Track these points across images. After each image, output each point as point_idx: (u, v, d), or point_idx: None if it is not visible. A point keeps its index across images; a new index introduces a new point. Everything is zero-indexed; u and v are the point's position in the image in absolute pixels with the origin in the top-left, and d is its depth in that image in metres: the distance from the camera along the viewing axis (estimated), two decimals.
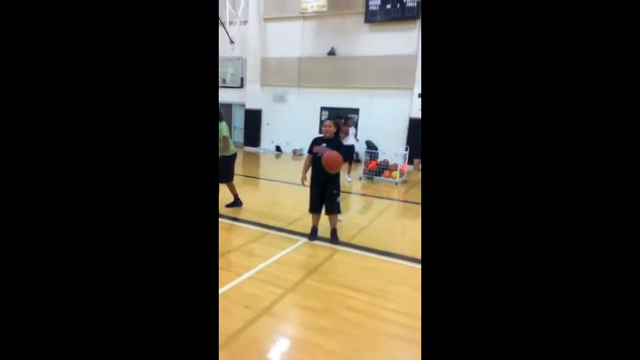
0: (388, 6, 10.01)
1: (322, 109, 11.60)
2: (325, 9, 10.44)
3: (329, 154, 3.35)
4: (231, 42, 10.74)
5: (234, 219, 4.22)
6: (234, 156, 4.65)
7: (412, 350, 1.99)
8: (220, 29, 10.86)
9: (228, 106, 13.24)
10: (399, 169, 7.51)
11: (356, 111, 11.15)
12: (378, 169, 7.70)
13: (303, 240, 3.62)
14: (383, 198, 6.18)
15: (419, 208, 5.64)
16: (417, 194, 6.62)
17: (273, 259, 3.13)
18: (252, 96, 12.28)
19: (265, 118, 12.47)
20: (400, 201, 6.20)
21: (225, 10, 11.09)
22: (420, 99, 9.76)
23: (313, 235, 3.66)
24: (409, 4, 9.74)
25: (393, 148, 8.94)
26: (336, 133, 3.60)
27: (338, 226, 3.72)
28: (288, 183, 6.92)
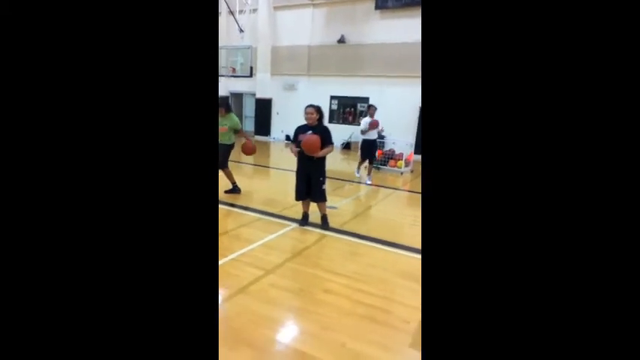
0: None
1: (332, 97, 11.56)
2: None
3: (307, 138, 3.36)
4: (241, 31, 10.74)
5: (231, 205, 4.32)
6: (232, 145, 4.73)
7: (379, 331, 2.02)
8: (230, 18, 10.90)
9: (239, 96, 13.37)
10: (404, 159, 7.44)
11: (366, 100, 11.03)
12: (383, 159, 7.65)
13: (294, 225, 3.68)
14: (385, 187, 6.16)
15: (418, 197, 5.61)
16: (419, 184, 6.57)
17: (260, 242, 3.20)
18: (262, 85, 12.33)
19: (275, 107, 12.53)
20: (401, 190, 6.16)
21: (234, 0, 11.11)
22: None
23: (304, 220, 3.71)
24: None
25: (403, 137, 8.84)
26: (319, 120, 3.57)
27: (332, 212, 3.75)
28: (292, 171, 7.00)
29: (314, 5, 11.20)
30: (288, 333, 2.01)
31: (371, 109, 6.12)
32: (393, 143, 8.34)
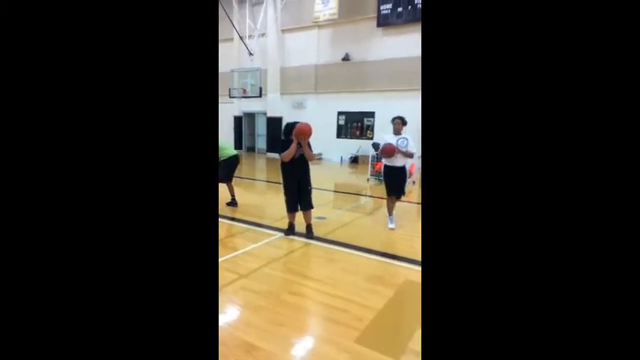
0: (399, 9, 10.10)
1: (339, 113, 11.85)
2: (336, 16, 10.73)
3: (301, 124, 3.55)
4: (250, 54, 11.34)
5: (224, 217, 4.57)
6: (230, 159, 5.00)
7: (330, 328, 2.16)
8: (241, 43, 11.52)
9: (252, 115, 13.91)
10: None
11: (372, 114, 11.27)
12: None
13: (280, 235, 3.88)
14: (381, 198, 6.26)
15: (411, 207, 5.69)
16: (416, 194, 6.63)
17: (242, 250, 3.41)
18: (273, 104, 12.81)
19: None
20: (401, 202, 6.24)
21: (244, 25, 11.75)
22: None
23: (290, 230, 3.89)
24: (420, 6, 9.75)
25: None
26: None
27: (319, 222, 3.91)
28: None
29: (319, 27, 11.67)
30: (241, 327, 2.19)
31: (397, 124, 4.09)
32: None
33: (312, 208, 3.83)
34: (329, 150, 11.99)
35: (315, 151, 13.07)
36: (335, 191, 7.07)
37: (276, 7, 12.04)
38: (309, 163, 3.76)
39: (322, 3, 10.93)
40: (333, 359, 1.88)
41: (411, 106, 10.53)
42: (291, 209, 3.81)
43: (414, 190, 7.13)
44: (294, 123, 3.71)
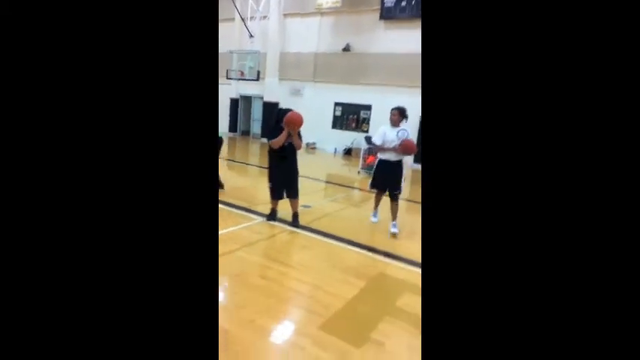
0: (403, 3, 9.96)
1: (336, 104, 11.75)
2: (339, 4, 10.57)
3: (292, 113, 3.49)
4: (251, 36, 11.15)
5: None
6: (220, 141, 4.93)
7: (294, 313, 2.16)
8: (242, 24, 11.31)
9: (249, 98, 13.75)
10: None
11: (368, 107, 11.19)
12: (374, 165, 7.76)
13: (261, 219, 3.85)
14: (370, 191, 6.26)
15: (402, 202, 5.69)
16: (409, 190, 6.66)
17: (220, 232, 3.39)
18: (270, 89, 12.65)
19: None
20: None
21: (247, 6, 11.53)
22: None
23: (271, 216, 3.86)
24: None
25: None
26: None
27: (304, 210, 3.89)
28: None
29: (321, 14, 11.48)
30: None
31: (394, 115, 3.72)
32: None
33: (298, 197, 3.78)
34: (324, 140, 11.92)
35: (309, 140, 12.96)
36: (324, 181, 7.04)
37: None
38: (298, 151, 3.72)
39: None
40: (293, 343, 1.88)
41: (408, 102, 10.38)
42: (275, 196, 3.77)
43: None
44: (287, 110, 3.64)
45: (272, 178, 3.74)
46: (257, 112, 13.73)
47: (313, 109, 11.94)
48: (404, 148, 3.67)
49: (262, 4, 11.54)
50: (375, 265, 3.02)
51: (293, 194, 3.73)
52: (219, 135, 5.02)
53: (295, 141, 3.59)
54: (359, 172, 7.91)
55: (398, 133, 3.71)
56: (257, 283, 2.47)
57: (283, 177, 3.70)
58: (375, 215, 4.25)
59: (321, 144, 12.03)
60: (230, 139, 12.55)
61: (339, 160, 10.36)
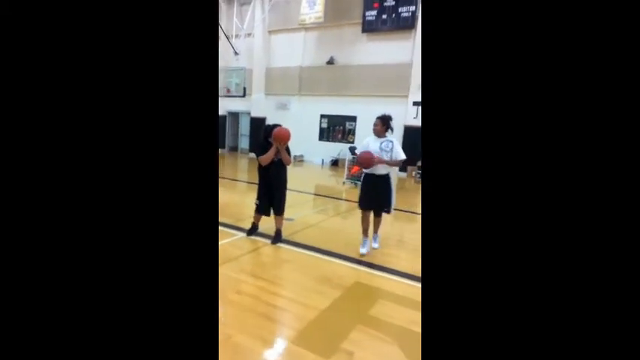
0: (384, 16, 10.22)
1: (322, 116, 11.91)
2: (322, 20, 10.81)
3: (280, 129, 3.52)
4: (236, 53, 11.33)
5: None
6: None
7: (268, 327, 2.19)
8: (226, 42, 11.50)
9: (236, 115, 13.87)
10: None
11: (354, 118, 11.36)
12: (360, 174, 7.86)
13: (242, 235, 3.89)
14: (353, 201, 6.33)
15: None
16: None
17: None
18: (257, 104, 12.80)
19: None
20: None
21: (231, 24, 11.74)
22: (415, 107, 9.84)
23: (252, 230, 3.89)
24: (404, 15, 9.90)
25: None
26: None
27: (286, 224, 3.88)
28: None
29: (305, 29, 11.72)
30: None
31: (376, 125, 3.40)
32: None
33: (283, 213, 3.76)
34: (311, 152, 12.02)
35: (296, 153, 13.00)
36: (309, 193, 7.11)
37: (264, 8, 12.06)
38: (287, 166, 3.75)
39: (309, 6, 10.99)
40: (262, 357, 1.91)
41: (392, 111, 10.63)
42: (261, 212, 3.76)
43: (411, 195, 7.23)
44: (274, 126, 3.68)
45: (259, 195, 3.74)
46: (244, 128, 13.83)
47: (300, 121, 12.08)
48: (359, 161, 3.36)
49: (247, 22, 11.77)
50: (349, 275, 3.06)
51: (278, 210, 3.73)
52: None
53: (284, 156, 3.59)
54: (344, 183, 7.99)
55: (382, 144, 3.34)
56: (233, 299, 2.50)
57: (271, 193, 3.69)
58: (364, 245, 3.55)
59: (309, 156, 12.13)
60: (219, 155, 12.59)
61: (327, 172, 10.45)
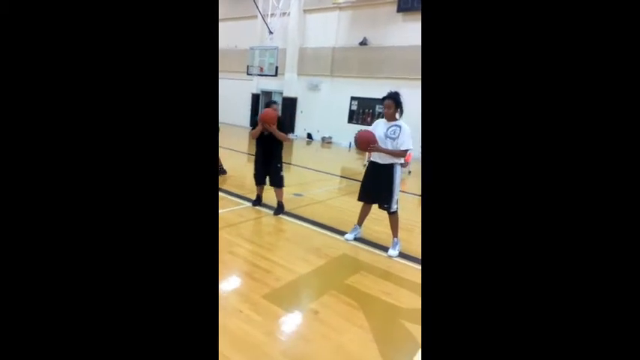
0: None
1: (352, 98, 11.84)
2: None
3: (266, 110, 3.71)
4: (270, 32, 11.47)
5: None
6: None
7: (248, 284, 2.39)
8: (261, 21, 11.65)
9: (269, 94, 14.13)
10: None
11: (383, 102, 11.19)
12: None
13: (248, 204, 4.12)
14: None
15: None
16: (403, 182, 6.71)
17: None
18: (289, 84, 12.96)
19: (300, 106, 13.09)
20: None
21: (268, 3, 11.85)
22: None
23: (257, 201, 4.11)
24: None
25: (419, 138, 8.99)
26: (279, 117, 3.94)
27: (293, 198, 4.07)
28: (290, 164, 7.45)
29: (340, 8, 11.57)
30: None
31: (387, 106, 2.98)
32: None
33: (282, 186, 3.94)
34: (339, 134, 12.06)
35: (325, 134, 12.98)
36: (328, 173, 7.22)
37: None
38: (284, 143, 3.90)
39: None
40: (233, 306, 2.11)
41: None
42: (257, 182, 4.01)
43: (408, 179, 7.17)
44: (273, 102, 3.88)
45: (256, 166, 3.98)
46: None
47: (330, 104, 12.12)
48: (355, 138, 3.07)
49: (283, 0, 11.82)
50: (339, 246, 3.18)
51: (275, 183, 3.91)
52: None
53: (276, 134, 3.75)
54: (364, 165, 7.99)
55: (388, 129, 2.94)
56: (222, 258, 2.72)
57: (264, 164, 3.90)
58: (352, 231, 3.34)
59: (337, 138, 12.17)
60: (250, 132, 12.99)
61: (353, 155, 10.47)
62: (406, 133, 2.91)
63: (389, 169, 2.99)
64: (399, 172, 3.06)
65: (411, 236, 3.66)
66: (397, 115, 2.98)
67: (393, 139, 2.93)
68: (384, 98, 2.99)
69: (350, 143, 11.82)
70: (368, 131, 3.02)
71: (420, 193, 6.08)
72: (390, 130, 2.95)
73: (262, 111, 3.77)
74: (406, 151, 2.94)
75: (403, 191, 5.75)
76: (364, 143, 2.96)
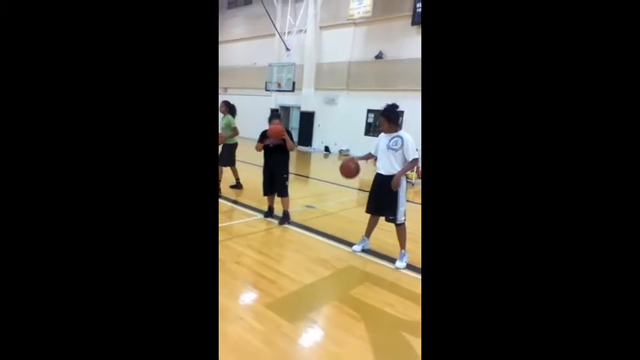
0: None
1: (368, 111, 11.90)
2: (370, 14, 10.79)
3: (274, 126, 3.82)
4: (287, 49, 11.80)
5: (224, 198, 5.00)
6: (235, 145, 5.40)
7: (250, 293, 2.43)
8: (278, 38, 12.00)
9: (287, 109, 14.41)
10: (415, 171, 7.50)
11: (401, 114, 11.17)
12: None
13: (260, 216, 4.20)
14: None
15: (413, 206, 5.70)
16: (419, 194, 6.62)
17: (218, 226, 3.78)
18: (306, 99, 13.20)
19: (317, 120, 13.27)
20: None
21: (285, 22, 12.23)
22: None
23: (268, 213, 4.19)
24: None
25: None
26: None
27: (305, 210, 4.11)
28: (307, 177, 7.52)
29: (355, 24, 11.78)
30: None
31: (382, 122, 3.14)
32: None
33: (287, 196, 4.01)
34: (356, 147, 12.08)
35: (343, 147, 13.03)
36: (342, 185, 7.24)
37: (316, 4, 12.35)
38: (290, 153, 3.99)
39: (357, 1, 11.03)
40: (235, 315, 2.15)
41: None
42: (264, 192, 4.09)
43: (415, 189, 7.08)
44: (272, 116, 3.98)
45: (264, 177, 4.06)
46: (295, 121, 14.32)
47: (347, 117, 12.22)
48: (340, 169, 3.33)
49: (299, 18, 12.16)
50: (347, 258, 3.18)
51: (279, 193, 4.00)
52: (236, 142, 5.47)
53: (288, 143, 3.87)
54: None
55: (390, 141, 2.99)
56: (230, 267, 2.79)
57: (270, 175, 3.99)
58: (359, 243, 3.35)
59: (354, 151, 12.19)
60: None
61: (370, 166, 10.43)
62: (409, 143, 2.96)
63: (389, 179, 3.02)
64: (403, 184, 3.07)
65: (420, 248, 3.61)
66: (397, 127, 3.06)
67: (396, 149, 2.98)
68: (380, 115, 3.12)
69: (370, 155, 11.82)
70: (352, 160, 3.26)
71: None
72: (392, 141, 3.01)
73: (269, 127, 3.86)
74: (416, 160, 2.98)
75: (410, 201, 5.67)
76: (348, 172, 3.23)
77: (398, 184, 2.97)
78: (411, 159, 2.96)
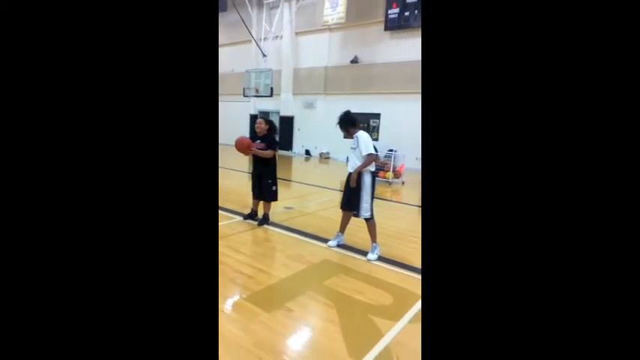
0: (406, 13, 10.28)
1: None
2: (343, 20, 11.09)
3: (240, 139, 3.97)
4: (264, 55, 11.96)
5: None
6: None
7: (229, 287, 2.57)
8: (254, 45, 12.15)
9: (266, 113, 14.55)
10: (392, 170, 7.78)
11: (377, 116, 11.49)
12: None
13: (239, 219, 4.33)
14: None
15: (381, 202, 5.94)
16: (396, 192, 6.88)
17: None
18: (285, 104, 13.37)
19: (297, 124, 13.46)
20: (381, 199, 6.50)
21: (261, 28, 12.40)
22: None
23: (249, 216, 4.32)
24: None
25: (413, 150, 9.54)
26: (269, 130, 4.22)
27: (283, 211, 4.25)
28: (288, 180, 7.67)
29: (330, 30, 12.07)
30: None
31: (342, 131, 3.42)
32: (403, 157, 9.01)
33: (272, 200, 4.18)
34: (336, 149, 12.33)
35: (323, 150, 13.16)
36: (322, 187, 7.43)
37: (291, 11, 12.58)
38: (276, 158, 4.16)
39: (331, 7, 11.32)
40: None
41: (415, 108, 10.73)
42: (253, 196, 4.26)
43: (401, 190, 7.35)
44: (254, 136, 4.15)
45: (252, 183, 4.22)
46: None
47: (326, 120, 12.43)
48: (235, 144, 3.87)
49: (275, 25, 12.35)
50: (322, 253, 3.36)
51: (264, 197, 4.17)
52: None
53: (259, 154, 4.02)
54: None
55: (352, 143, 3.31)
56: None
57: (257, 181, 4.17)
58: (335, 238, 3.55)
59: (335, 153, 12.44)
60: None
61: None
62: (361, 139, 3.21)
63: (357, 177, 3.24)
64: (367, 180, 3.28)
65: (392, 241, 3.83)
66: (354, 129, 3.32)
67: (354, 148, 3.28)
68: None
69: (347, 157, 12.06)
70: (244, 137, 3.89)
71: (408, 202, 6.28)
72: (353, 142, 3.31)
73: (237, 139, 4.01)
74: (370, 155, 3.16)
75: (388, 199, 5.92)
76: (242, 148, 3.86)
77: (354, 180, 3.21)
78: (365, 154, 3.16)
